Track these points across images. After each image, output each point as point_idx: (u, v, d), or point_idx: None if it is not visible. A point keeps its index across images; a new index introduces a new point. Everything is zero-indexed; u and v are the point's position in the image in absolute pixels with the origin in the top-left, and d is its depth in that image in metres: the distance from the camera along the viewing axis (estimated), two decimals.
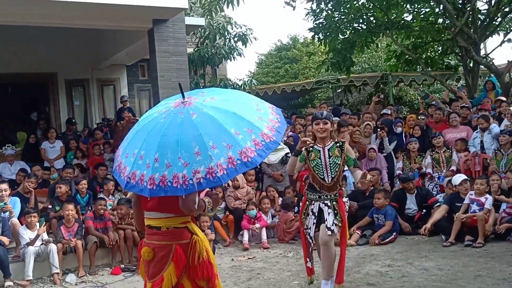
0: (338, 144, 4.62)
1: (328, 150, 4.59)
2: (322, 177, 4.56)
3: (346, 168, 8.07)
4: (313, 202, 4.64)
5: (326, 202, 4.58)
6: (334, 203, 4.57)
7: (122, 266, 6.82)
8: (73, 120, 11.14)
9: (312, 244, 4.75)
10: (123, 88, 12.46)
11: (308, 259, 4.84)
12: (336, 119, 9.62)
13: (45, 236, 6.59)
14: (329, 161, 4.56)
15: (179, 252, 2.87)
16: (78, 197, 7.66)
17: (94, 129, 10.44)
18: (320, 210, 4.59)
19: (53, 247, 6.44)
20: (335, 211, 4.55)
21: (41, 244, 6.46)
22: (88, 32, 10.01)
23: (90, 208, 7.53)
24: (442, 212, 7.10)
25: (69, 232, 6.85)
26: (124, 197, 7.70)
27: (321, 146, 4.63)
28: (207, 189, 3.07)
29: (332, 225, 4.51)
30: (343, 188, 4.75)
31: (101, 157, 9.40)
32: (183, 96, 2.83)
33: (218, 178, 2.52)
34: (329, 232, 4.51)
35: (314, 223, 4.63)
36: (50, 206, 7.43)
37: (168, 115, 2.74)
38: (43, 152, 9.58)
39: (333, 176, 4.54)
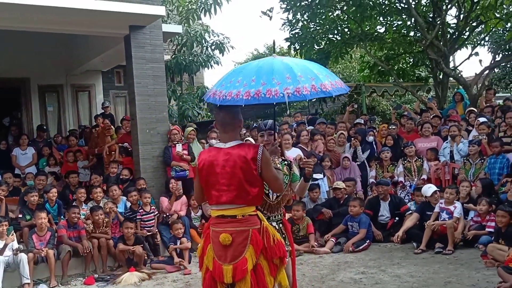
0: (286, 162, 4.14)
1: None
2: (266, 192, 3.91)
3: (320, 176, 8.35)
4: None
5: (273, 224, 3.95)
6: (281, 225, 4.04)
7: (96, 275, 6.73)
8: (44, 127, 10.93)
9: None
10: (98, 94, 12.30)
11: None
12: (311, 128, 9.79)
13: (15, 244, 6.45)
14: None
15: (257, 236, 3.21)
16: (47, 206, 7.49)
17: (68, 136, 10.28)
18: None
19: (23, 256, 6.28)
20: (283, 235, 3.97)
21: (12, 254, 6.32)
22: (62, 37, 9.87)
23: (62, 217, 7.41)
24: (413, 220, 7.29)
25: (41, 241, 6.71)
26: (96, 205, 7.61)
27: None
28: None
29: None
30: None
31: (75, 164, 9.27)
32: (274, 51, 3.68)
33: (303, 95, 3.26)
34: None
35: None
36: (20, 215, 7.26)
37: (260, 60, 3.55)
38: (14, 159, 9.36)
39: (278, 194, 3.97)
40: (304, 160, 4.10)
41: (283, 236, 3.95)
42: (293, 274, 4.05)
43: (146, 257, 7.06)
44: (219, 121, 3.35)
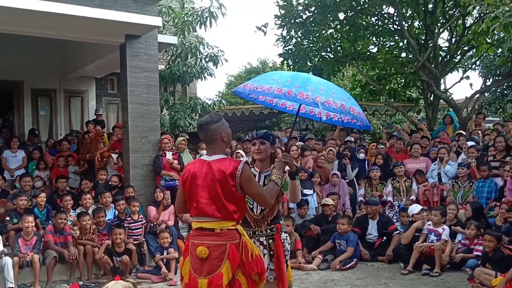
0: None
1: (265, 177, 3.86)
2: (251, 207, 3.81)
3: (310, 192, 8.37)
4: None
5: (261, 239, 3.83)
6: (271, 241, 3.82)
7: (81, 283, 6.68)
8: (36, 131, 10.86)
9: None
10: (91, 101, 12.27)
11: None
12: (300, 144, 9.84)
13: (0, 247, 6.38)
14: None
15: (234, 251, 3.18)
16: (36, 211, 7.44)
17: (61, 140, 10.23)
18: None
19: (8, 260, 6.24)
20: (271, 252, 3.81)
21: None
22: (57, 42, 9.89)
23: (49, 222, 7.34)
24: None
25: (27, 245, 6.65)
26: (84, 210, 7.56)
27: (257, 170, 3.89)
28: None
29: (267, 270, 3.72)
30: (281, 222, 3.92)
31: (66, 169, 9.19)
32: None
33: (332, 108, 3.59)
34: None
35: None
36: (7, 218, 7.19)
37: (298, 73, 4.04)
38: (3, 161, 9.27)
39: (262, 208, 3.77)
40: (282, 155, 3.70)
41: (272, 253, 3.82)
42: None
43: (132, 266, 7.01)
44: (202, 139, 3.38)
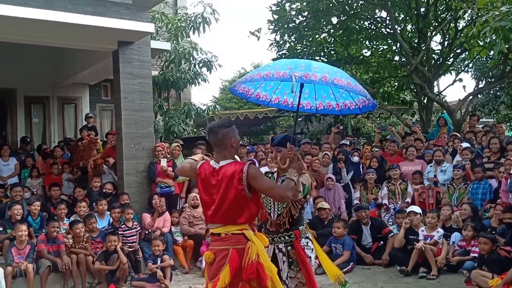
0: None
1: (282, 181, 3.70)
2: (268, 211, 3.83)
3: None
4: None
5: (280, 246, 3.78)
6: (289, 248, 3.75)
7: None
8: (28, 139, 10.77)
9: None
10: (84, 108, 12.21)
11: None
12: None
13: None
14: None
15: (234, 256, 3.19)
16: (30, 219, 7.36)
17: (54, 147, 10.15)
18: (274, 256, 3.76)
19: (0, 270, 6.16)
20: (290, 259, 3.74)
21: None
22: (50, 49, 9.85)
23: (43, 230, 7.27)
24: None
25: (20, 254, 6.58)
26: (78, 219, 7.49)
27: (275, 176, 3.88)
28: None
29: (287, 278, 3.73)
30: (300, 228, 3.82)
31: (59, 177, 9.12)
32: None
33: (310, 80, 3.41)
34: None
35: None
36: (0, 229, 7.11)
37: None
38: None
39: (279, 212, 3.75)
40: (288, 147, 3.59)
41: (291, 260, 3.75)
42: None
43: (127, 274, 6.95)
44: (211, 142, 3.38)
